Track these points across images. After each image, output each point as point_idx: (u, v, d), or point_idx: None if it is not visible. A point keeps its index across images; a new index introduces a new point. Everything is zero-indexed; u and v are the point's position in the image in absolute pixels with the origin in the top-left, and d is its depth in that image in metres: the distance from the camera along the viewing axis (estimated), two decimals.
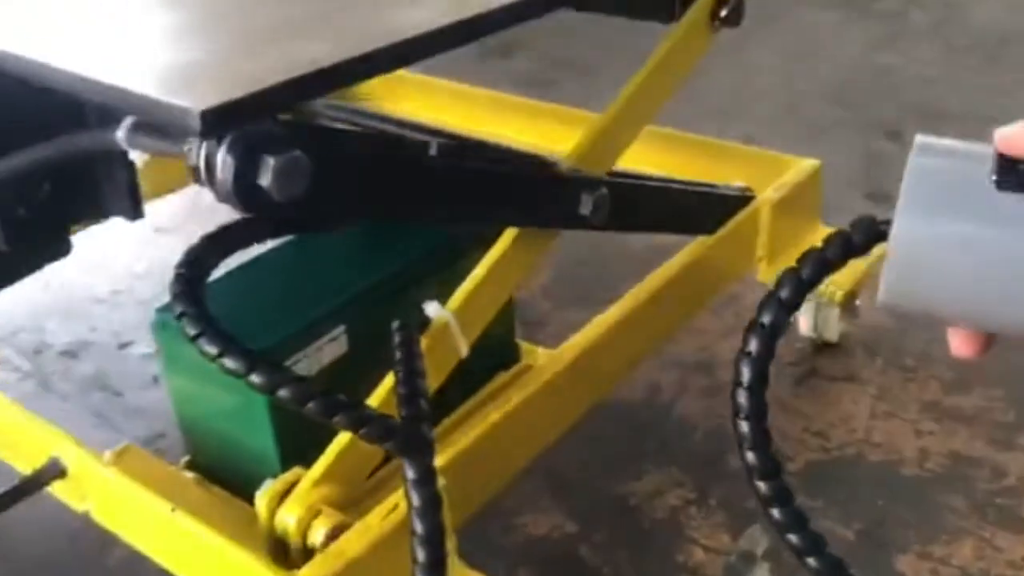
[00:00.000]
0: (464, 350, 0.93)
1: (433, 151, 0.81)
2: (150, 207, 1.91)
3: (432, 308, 0.92)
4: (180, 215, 1.87)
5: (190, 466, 1.03)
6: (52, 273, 1.74)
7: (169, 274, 0.89)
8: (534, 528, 1.19)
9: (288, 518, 0.85)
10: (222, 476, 0.99)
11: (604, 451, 1.31)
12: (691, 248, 1.23)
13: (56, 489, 1.00)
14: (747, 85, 2.41)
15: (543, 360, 1.11)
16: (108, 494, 0.95)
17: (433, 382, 0.91)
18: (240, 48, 0.79)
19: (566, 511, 1.22)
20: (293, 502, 0.86)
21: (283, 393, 0.79)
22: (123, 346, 1.55)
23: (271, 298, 0.96)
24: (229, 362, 0.79)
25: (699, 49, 1.11)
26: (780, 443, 1.31)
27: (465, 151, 0.86)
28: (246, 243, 0.94)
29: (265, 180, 0.68)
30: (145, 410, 1.41)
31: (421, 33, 0.73)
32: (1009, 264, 0.62)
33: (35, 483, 0.97)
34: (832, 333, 1.45)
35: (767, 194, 1.31)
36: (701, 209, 1.22)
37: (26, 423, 1.01)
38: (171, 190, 1.72)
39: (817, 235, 1.37)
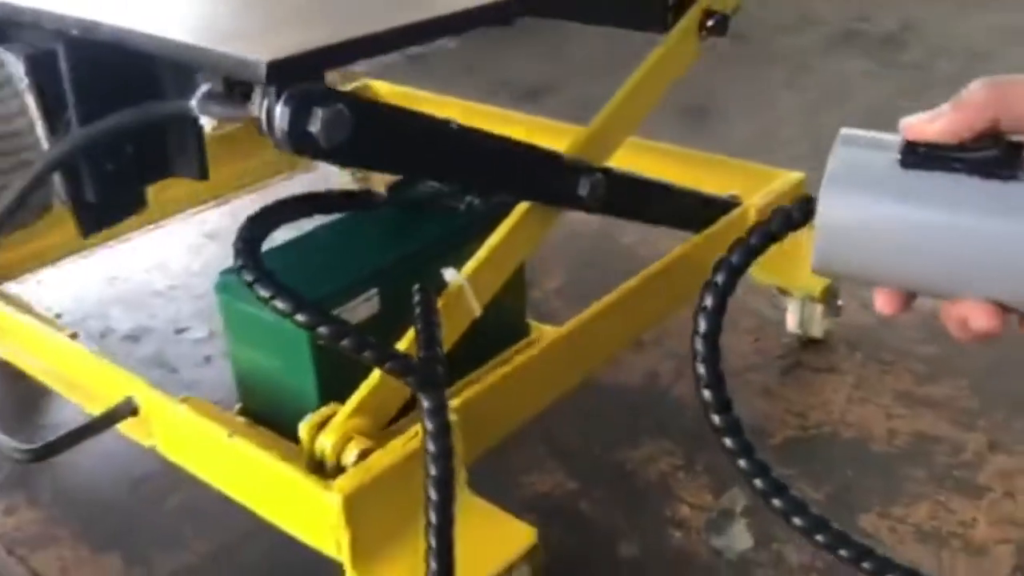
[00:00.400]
0: (477, 310, 1.10)
1: (454, 126, 0.98)
2: (202, 217, 2.13)
3: (449, 274, 1.08)
4: (229, 224, 2.07)
5: (241, 413, 1.20)
6: (116, 270, 1.94)
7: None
8: (540, 486, 1.34)
9: (325, 442, 1.01)
10: (269, 419, 1.16)
11: (605, 425, 1.47)
12: (681, 244, 1.39)
13: (125, 427, 1.17)
14: (773, 129, 2.56)
15: (548, 334, 1.27)
16: (174, 428, 1.12)
17: (450, 337, 1.08)
18: (275, 27, 0.99)
19: (568, 473, 1.37)
20: (330, 430, 1.02)
21: (323, 330, 0.96)
22: (179, 331, 1.73)
23: (315, 265, 1.14)
24: (280, 303, 0.96)
25: (688, 56, 1.28)
26: (763, 422, 1.46)
27: (480, 132, 1.03)
28: (293, 216, 1.13)
29: (314, 128, 0.85)
30: (199, 383, 1.59)
31: (431, 17, 0.92)
32: (913, 231, 0.76)
33: (109, 419, 1.13)
34: (817, 330, 1.60)
35: (753, 200, 1.47)
36: (690, 207, 1.38)
37: (104, 368, 1.19)
38: (220, 198, 1.93)
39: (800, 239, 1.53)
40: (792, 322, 1.61)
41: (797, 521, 0.83)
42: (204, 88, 0.92)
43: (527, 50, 3.05)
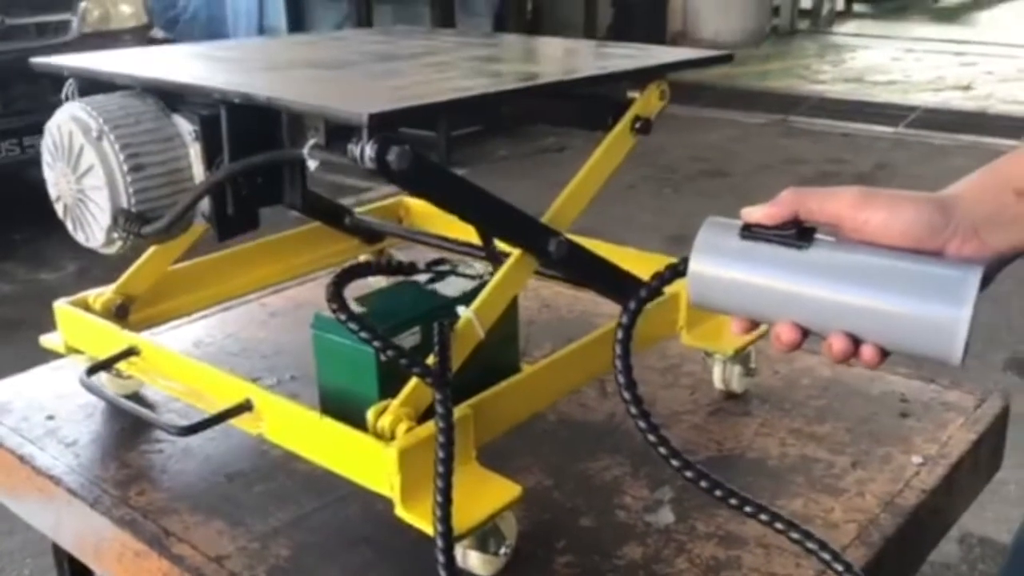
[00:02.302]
0: (482, 335, 1.63)
1: None
2: (263, 300, 2.68)
3: (462, 310, 1.63)
4: (286, 305, 2.62)
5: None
6: (200, 338, 2.48)
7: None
8: (524, 482, 1.85)
9: (384, 421, 1.53)
10: (341, 419, 1.68)
11: (575, 447, 1.98)
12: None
13: (239, 421, 1.69)
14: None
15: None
16: (279, 416, 1.64)
17: (461, 354, 1.61)
18: (368, 100, 1.55)
19: (546, 475, 1.88)
20: (388, 413, 1.53)
21: (376, 344, 1.50)
22: (254, 379, 2.26)
23: (378, 311, 1.68)
24: (351, 324, 1.50)
25: (623, 149, 1.84)
26: (691, 447, 1.97)
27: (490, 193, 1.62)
28: (364, 275, 1.68)
29: (390, 157, 1.40)
30: None
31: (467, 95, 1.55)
32: (745, 278, 1.25)
33: (233, 412, 1.65)
34: (736, 385, 2.13)
35: (682, 283, 2.02)
36: (629, 286, 1.91)
37: (228, 378, 1.72)
38: (278, 286, 2.50)
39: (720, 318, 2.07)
40: (716, 378, 2.14)
41: (650, 438, 1.28)
42: (312, 141, 1.50)
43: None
